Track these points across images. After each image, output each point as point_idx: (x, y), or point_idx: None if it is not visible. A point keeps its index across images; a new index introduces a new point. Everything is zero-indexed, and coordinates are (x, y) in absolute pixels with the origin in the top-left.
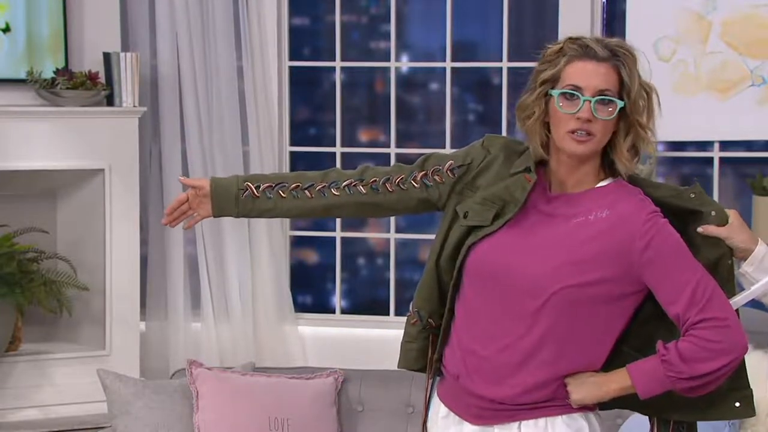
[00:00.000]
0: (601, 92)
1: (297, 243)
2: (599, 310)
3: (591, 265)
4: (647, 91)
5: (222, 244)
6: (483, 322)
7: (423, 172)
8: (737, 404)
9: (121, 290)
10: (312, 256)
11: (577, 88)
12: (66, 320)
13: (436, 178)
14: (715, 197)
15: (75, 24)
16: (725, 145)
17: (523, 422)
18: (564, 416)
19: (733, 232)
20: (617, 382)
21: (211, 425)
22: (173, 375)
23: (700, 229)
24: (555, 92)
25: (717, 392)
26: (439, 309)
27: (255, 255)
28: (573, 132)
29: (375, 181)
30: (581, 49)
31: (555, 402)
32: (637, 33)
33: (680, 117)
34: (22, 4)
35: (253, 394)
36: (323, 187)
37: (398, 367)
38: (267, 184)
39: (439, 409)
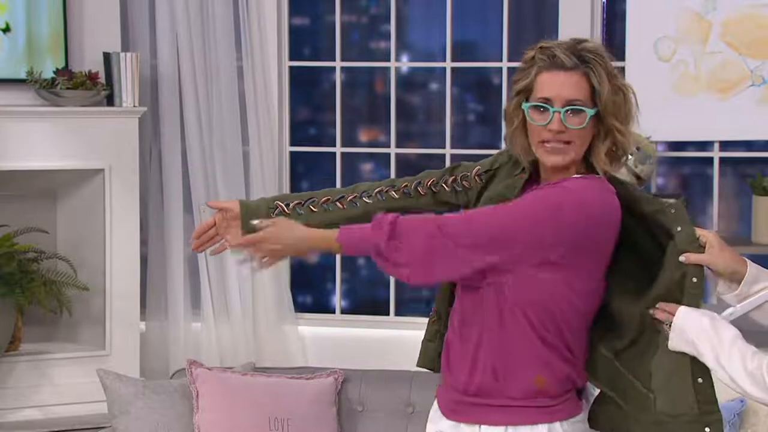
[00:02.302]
0: (570, 102)
1: None
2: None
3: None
4: (623, 92)
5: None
6: (459, 315)
7: (453, 177)
8: (707, 429)
9: (121, 290)
10: (312, 256)
11: (547, 100)
12: (66, 320)
13: (465, 183)
14: (715, 197)
15: (75, 24)
16: (725, 145)
17: (484, 426)
18: (528, 426)
19: (714, 257)
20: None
21: (211, 425)
22: (173, 375)
23: (682, 258)
24: (525, 106)
25: (688, 417)
26: (447, 308)
27: None
28: (546, 142)
29: (407, 186)
30: (549, 59)
31: (522, 404)
32: (637, 33)
33: (680, 117)
34: (22, 4)
35: (253, 394)
36: (354, 197)
37: (417, 366)
38: (296, 201)
39: (434, 405)
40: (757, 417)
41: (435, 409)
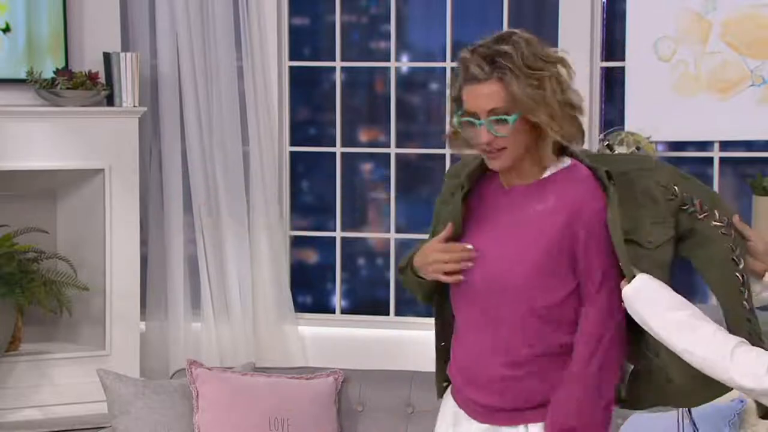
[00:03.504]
0: (491, 112)
1: (297, 243)
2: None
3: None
4: (540, 80)
5: (222, 244)
6: (466, 332)
7: None
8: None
9: (121, 290)
10: (312, 256)
11: (472, 114)
12: (66, 320)
13: None
14: None
15: (75, 24)
16: (725, 145)
17: (530, 424)
18: None
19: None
20: None
21: (211, 425)
22: (173, 375)
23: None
24: (455, 122)
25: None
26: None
27: (255, 255)
28: (483, 150)
29: None
30: (465, 72)
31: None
32: (637, 33)
33: (680, 117)
34: (22, 4)
35: (253, 394)
36: None
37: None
38: None
39: (448, 404)
40: (757, 417)
41: (455, 410)
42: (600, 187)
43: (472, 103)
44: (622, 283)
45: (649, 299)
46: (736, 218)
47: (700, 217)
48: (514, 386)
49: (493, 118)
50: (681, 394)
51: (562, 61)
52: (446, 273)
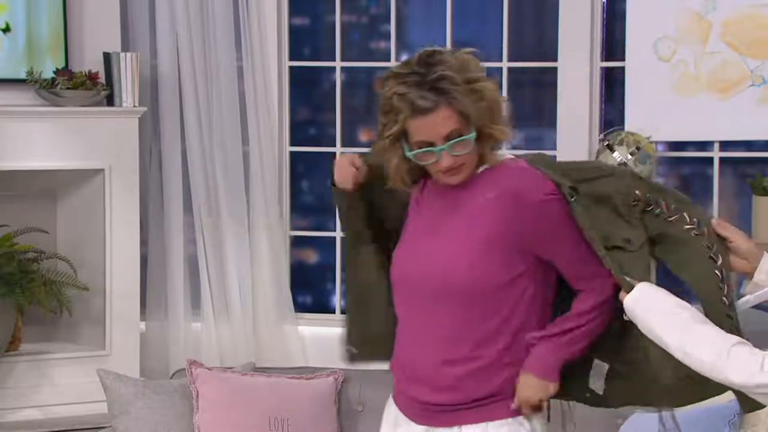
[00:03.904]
0: (448, 136)
1: (297, 243)
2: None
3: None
4: (481, 91)
5: (222, 244)
6: (407, 328)
7: None
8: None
9: (121, 290)
10: (312, 256)
11: (428, 143)
12: (66, 320)
13: None
14: (715, 197)
15: (75, 24)
16: (725, 145)
17: (465, 426)
18: (506, 419)
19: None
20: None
21: (211, 425)
22: (173, 375)
23: (714, 221)
24: (410, 154)
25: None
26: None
27: (255, 255)
28: (443, 172)
29: None
30: (410, 106)
31: (495, 400)
32: (637, 33)
33: (680, 117)
34: (22, 4)
35: (253, 394)
36: None
37: None
38: None
39: (391, 408)
40: (757, 417)
41: (395, 413)
42: (544, 176)
43: (426, 133)
44: (621, 294)
45: (649, 307)
46: (714, 222)
47: (670, 219)
48: (454, 383)
49: (454, 141)
50: (668, 394)
51: (478, 61)
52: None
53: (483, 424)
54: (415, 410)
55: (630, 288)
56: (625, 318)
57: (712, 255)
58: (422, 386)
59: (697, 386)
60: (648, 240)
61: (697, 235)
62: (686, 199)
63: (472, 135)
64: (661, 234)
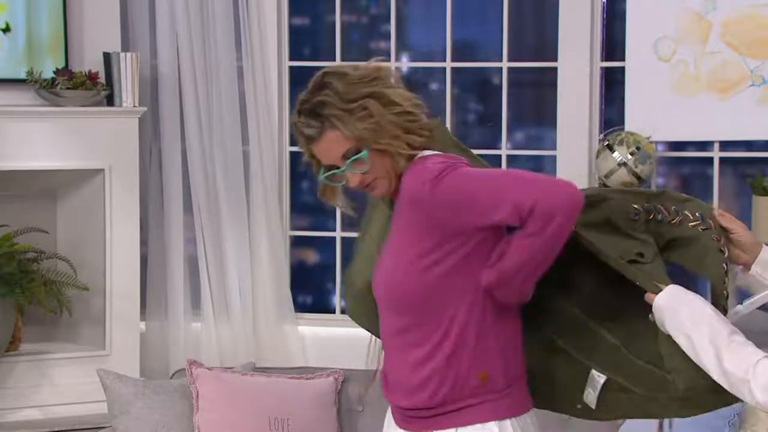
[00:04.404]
0: (344, 157)
1: (297, 243)
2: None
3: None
4: (367, 107)
5: (222, 244)
6: (384, 337)
7: None
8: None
9: (121, 290)
10: (312, 256)
11: (330, 167)
12: (66, 320)
13: None
14: (715, 197)
15: (75, 24)
16: (725, 145)
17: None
18: (475, 425)
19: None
20: None
21: (211, 425)
22: (173, 375)
23: (716, 212)
24: (321, 178)
25: (703, 389)
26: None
27: (255, 255)
28: (361, 189)
29: None
30: (302, 135)
31: (467, 405)
32: (637, 33)
33: (680, 117)
34: (22, 4)
35: (253, 394)
36: None
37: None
38: None
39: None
40: (756, 417)
41: (389, 416)
42: (433, 169)
43: (325, 158)
44: (648, 295)
45: (678, 306)
46: (717, 212)
47: (674, 222)
48: (419, 385)
49: (350, 161)
50: (675, 404)
51: (379, 71)
52: None
53: (452, 430)
54: (396, 415)
55: (657, 290)
56: (650, 319)
57: (721, 248)
58: (396, 392)
59: (707, 397)
60: (659, 250)
61: (704, 229)
62: (684, 197)
63: (365, 153)
64: (671, 239)
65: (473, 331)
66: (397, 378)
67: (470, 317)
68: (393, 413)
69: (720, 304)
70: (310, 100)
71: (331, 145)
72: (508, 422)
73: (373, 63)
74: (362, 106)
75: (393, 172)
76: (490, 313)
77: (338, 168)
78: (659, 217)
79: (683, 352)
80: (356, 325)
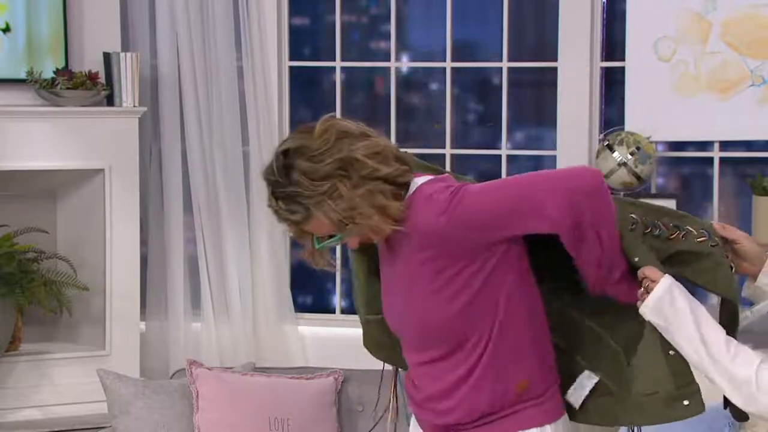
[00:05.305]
0: (337, 227)
1: (297, 243)
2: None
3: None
4: (336, 190)
5: (222, 244)
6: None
7: None
8: (686, 403)
9: (121, 290)
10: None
11: (327, 236)
12: (66, 320)
13: None
14: (715, 197)
15: (75, 24)
16: (725, 145)
17: None
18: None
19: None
20: None
21: (211, 425)
22: (173, 375)
23: (717, 226)
24: (319, 247)
25: (663, 394)
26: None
27: (255, 255)
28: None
29: None
30: (288, 221)
31: (507, 412)
32: (637, 33)
33: (680, 117)
34: (22, 4)
35: (253, 394)
36: None
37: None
38: None
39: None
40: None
41: (415, 423)
42: (440, 199)
43: (318, 231)
44: (641, 293)
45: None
46: (717, 225)
47: (672, 237)
48: (457, 407)
49: (345, 230)
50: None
51: (332, 126)
52: None
53: None
54: (427, 430)
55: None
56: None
57: (731, 264)
58: (427, 410)
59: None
60: (661, 263)
61: (713, 246)
62: (683, 214)
63: (338, 237)
64: (670, 256)
65: (507, 344)
66: (428, 397)
67: (501, 332)
68: (422, 425)
69: (735, 323)
70: (283, 187)
71: (321, 222)
72: (548, 428)
73: (321, 121)
74: (333, 187)
75: (374, 217)
76: (522, 319)
77: (333, 236)
78: (656, 232)
79: (644, 344)
80: (356, 325)
